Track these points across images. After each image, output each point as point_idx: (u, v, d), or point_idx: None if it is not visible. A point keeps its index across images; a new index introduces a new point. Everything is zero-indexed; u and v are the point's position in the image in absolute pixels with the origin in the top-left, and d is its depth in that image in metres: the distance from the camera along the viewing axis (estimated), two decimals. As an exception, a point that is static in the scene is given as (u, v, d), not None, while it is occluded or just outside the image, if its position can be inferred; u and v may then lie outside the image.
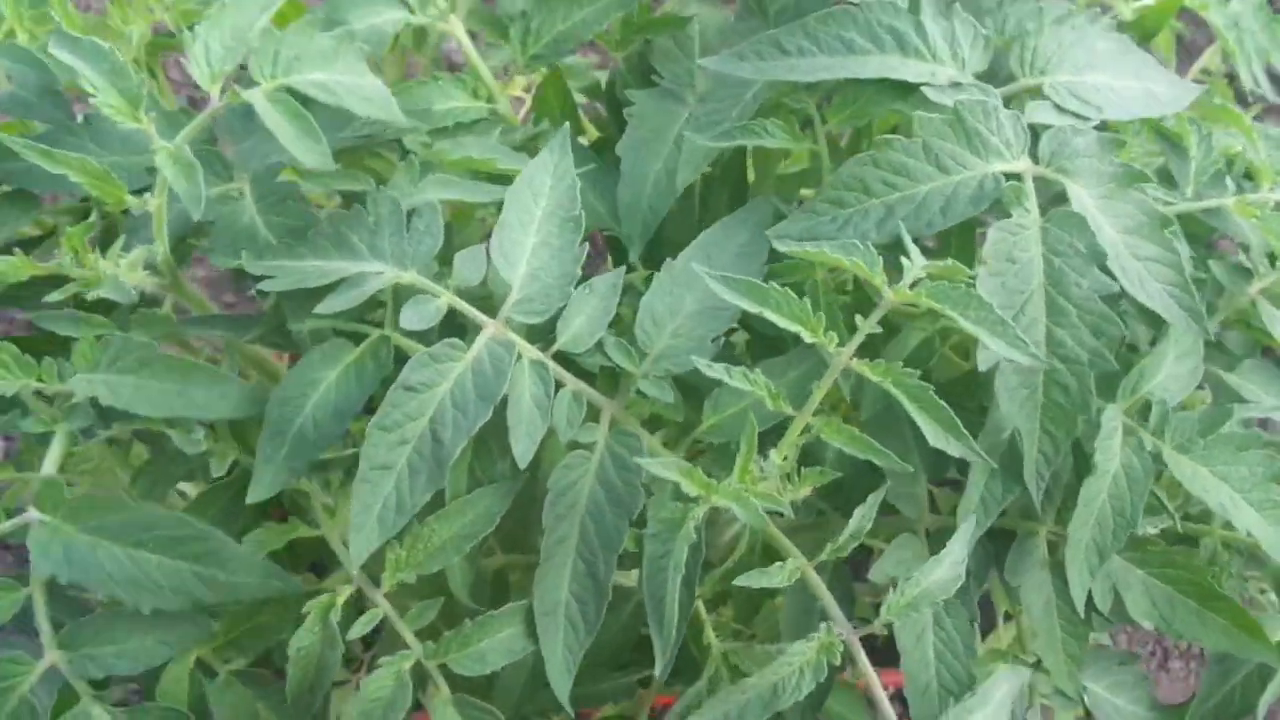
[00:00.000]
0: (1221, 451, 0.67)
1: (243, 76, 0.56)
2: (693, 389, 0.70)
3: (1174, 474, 0.67)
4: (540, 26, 0.71)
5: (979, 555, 0.72)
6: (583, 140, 0.78)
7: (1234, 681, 0.77)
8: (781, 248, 0.64)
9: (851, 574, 0.75)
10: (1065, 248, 0.62)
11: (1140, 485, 0.66)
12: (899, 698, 0.66)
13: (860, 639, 0.60)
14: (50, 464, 0.55)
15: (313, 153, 0.55)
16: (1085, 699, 0.78)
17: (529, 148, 0.70)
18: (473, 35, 0.74)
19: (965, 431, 0.57)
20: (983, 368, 0.62)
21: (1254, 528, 0.67)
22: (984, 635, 0.98)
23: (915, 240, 0.61)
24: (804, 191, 0.85)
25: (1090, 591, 0.70)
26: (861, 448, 0.59)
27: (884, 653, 0.71)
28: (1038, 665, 0.76)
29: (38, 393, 0.56)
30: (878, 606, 0.89)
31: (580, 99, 0.83)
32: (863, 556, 0.73)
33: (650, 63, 0.74)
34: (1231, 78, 1.05)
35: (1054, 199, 0.65)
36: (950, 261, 0.60)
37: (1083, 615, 0.69)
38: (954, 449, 0.58)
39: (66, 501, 0.53)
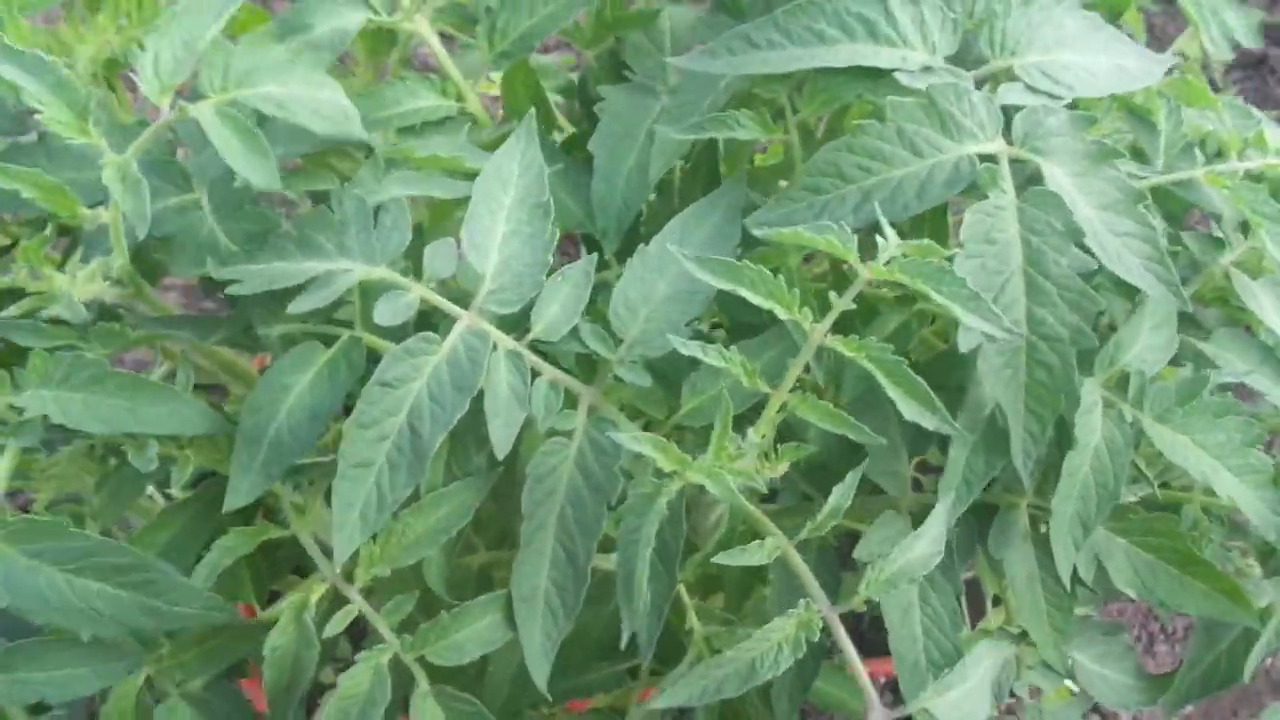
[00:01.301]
0: (1200, 419, 0.68)
1: (195, 89, 0.56)
2: (671, 383, 0.71)
3: (1155, 444, 0.67)
4: (507, 23, 0.71)
5: (962, 531, 0.72)
6: (556, 138, 0.78)
7: (1220, 648, 0.77)
8: (758, 232, 0.64)
9: (841, 565, 0.75)
10: (1043, 226, 0.62)
11: (1121, 456, 0.67)
12: (892, 687, 0.66)
13: (850, 629, 0.60)
14: (-2, 481, 0.55)
15: (260, 170, 0.54)
16: (1072, 670, 0.79)
17: (498, 145, 0.70)
18: (444, 37, 0.74)
19: (939, 403, 0.58)
20: (964, 349, 0.62)
21: (1234, 493, 0.67)
22: (974, 622, 0.98)
23: (891, 225, 0.61)
24: (781, 184, 0.85)
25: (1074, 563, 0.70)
26: (837, 423, 0.59)
27: (876, 643, 0.72)
28: (1024, 638, 0.76)
29: (-9, 406, 0.55)
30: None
31: (556, 99, 0.83)
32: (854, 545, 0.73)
33: (622, 59, 0.75)
34: (1205, 65, 1.05)
35: (1029, 179, 0.65)
36: (925, 241, 0.60)
37: (1069, 588, 0.69)
38: (929, 421, 0.58)
39: (9, 523, 0.53)
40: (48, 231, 0.56)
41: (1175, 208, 0.80)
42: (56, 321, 0.56)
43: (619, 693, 0.89)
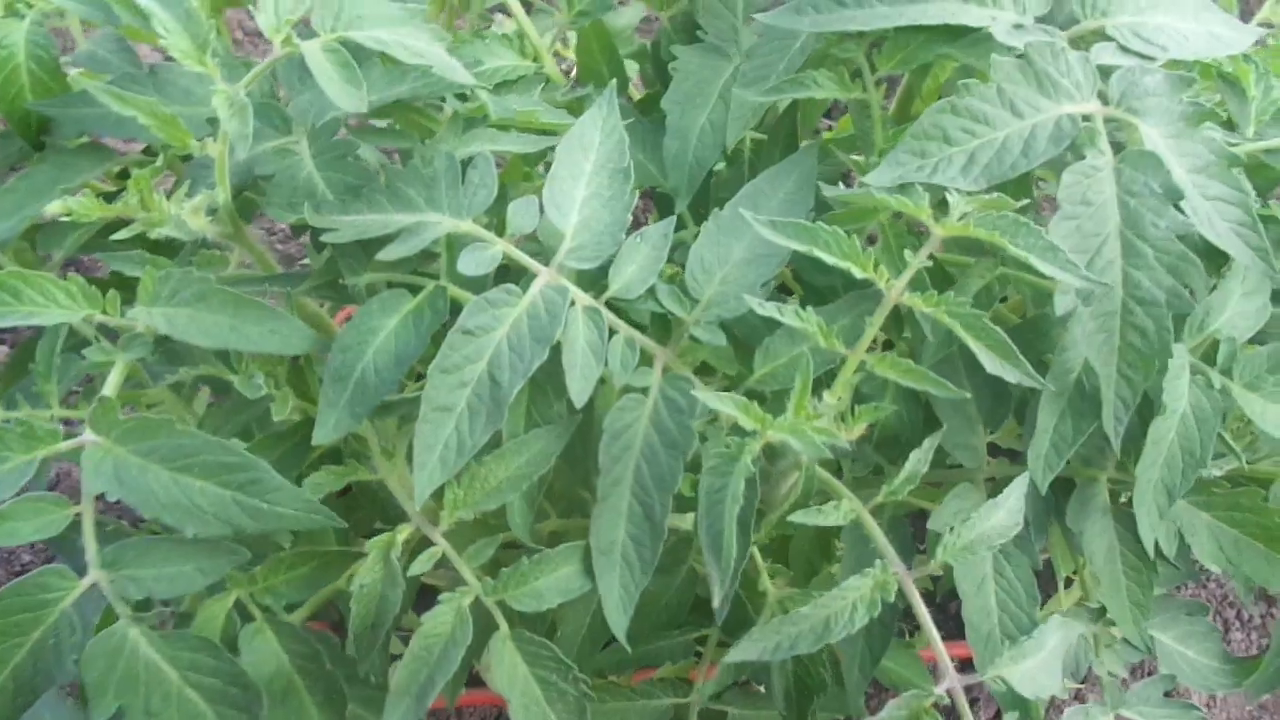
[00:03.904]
0: (1292, 389, 0.66)
1: (305, 32, 0.57)
2: (743, 346, 0.71)
3: (1244, 411, 0.66)
4: (587, -17, 0.72)
5: (1039, 504, 0.71)
6: (631, 95, 0.78)
7: (1308, 631, 0.75)
8: (829, 193, 0.63)
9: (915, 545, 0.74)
10: (1140, 188, 0.61)
11: (1209, 424, 0.65)
12: (961, 669, 0.65)
13: (928, 611, 0.59)
14: (108, 390, 0.57)
15: (352, 98, 0.56)
16: (1153, 649, 0.77)
17: (573, 106, 0.71)
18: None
19: (1021, 357, 0.57)
20: (1060, 312, 0.61)
21: (1326, 466, 0.65)
22: (1044, 602, 0.97)
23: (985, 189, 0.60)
24: (852, 157, 0.85)
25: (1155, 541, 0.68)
26: (917, 379, 0.58)
27: (950, 625, 0.71)
28: (1102, 614, 0.75)
29: (102, 327, 0.58)
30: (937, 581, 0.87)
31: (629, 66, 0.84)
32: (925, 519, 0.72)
33: (695, 20, 0.75)
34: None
35: (1123, 141, 0.64)
36: (996, 195, 0.60)
37: (1151, 557, 0.68)
38: (1010, 375, 0.57)
39: (120, 423, 0.55)
40: (159, 162, 0.58)
41: (1264, 180, 0.78)
42: (164, 251, 0.58)
43: (686, 664, 0.89)
